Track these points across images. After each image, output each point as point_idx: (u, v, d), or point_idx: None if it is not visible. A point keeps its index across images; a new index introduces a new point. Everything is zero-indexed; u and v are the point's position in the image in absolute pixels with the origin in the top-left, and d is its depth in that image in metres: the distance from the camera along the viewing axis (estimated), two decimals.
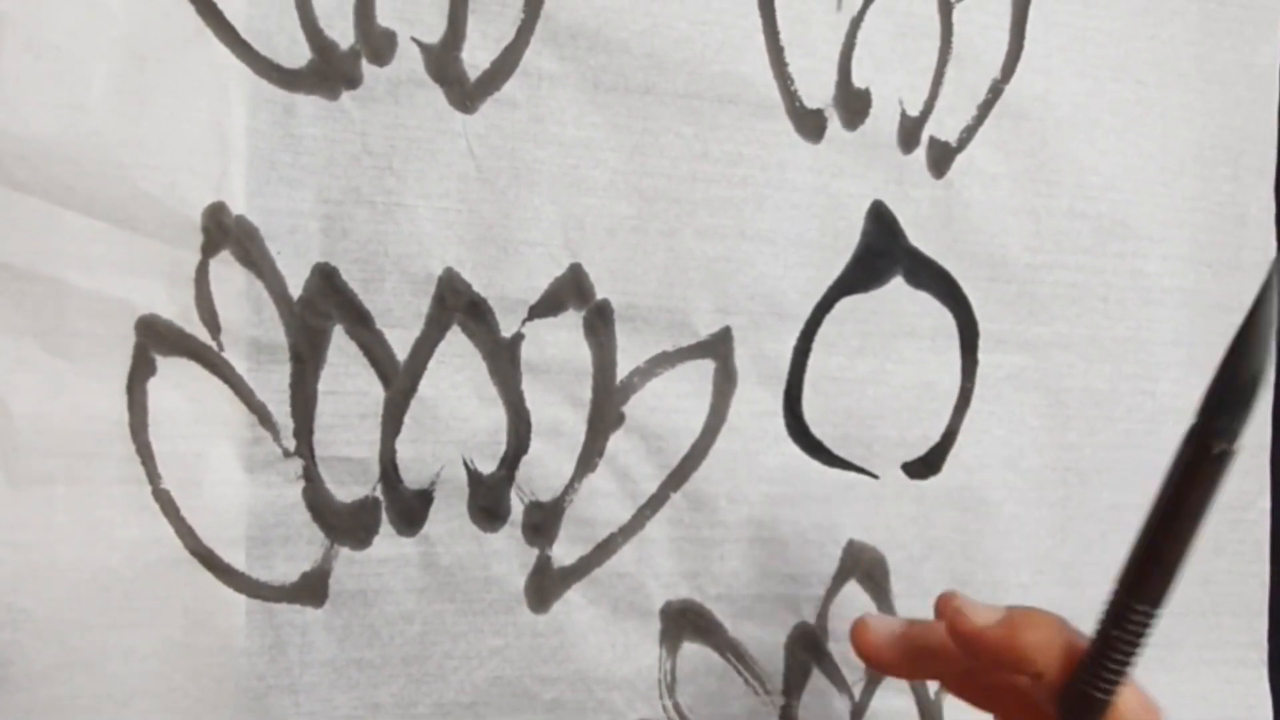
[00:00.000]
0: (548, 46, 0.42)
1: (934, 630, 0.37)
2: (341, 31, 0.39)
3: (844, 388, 0.46)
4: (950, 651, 0.35)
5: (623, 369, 0.43)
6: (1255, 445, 0.52)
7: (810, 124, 0.45)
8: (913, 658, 0.37)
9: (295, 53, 0.39)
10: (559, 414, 0.42)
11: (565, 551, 0.42)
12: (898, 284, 0.47)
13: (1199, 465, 0.30)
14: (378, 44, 0.40)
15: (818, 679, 0.46)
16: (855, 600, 0.46)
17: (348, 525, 0.40)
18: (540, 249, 0.42)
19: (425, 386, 0.41)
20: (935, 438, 0.47)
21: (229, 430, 0.38)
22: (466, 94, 0.41)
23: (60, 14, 0.36)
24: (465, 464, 0.41)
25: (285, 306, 0.39)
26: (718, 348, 0.44)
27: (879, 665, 0.38)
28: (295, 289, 0.39)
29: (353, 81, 0.40)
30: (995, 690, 0.36)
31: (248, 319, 0.39)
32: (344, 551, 0.40)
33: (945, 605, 0.35)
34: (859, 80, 0.46)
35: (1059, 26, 0.48)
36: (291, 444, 0.39)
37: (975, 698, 0.37)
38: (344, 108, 0.40)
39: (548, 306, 0.42)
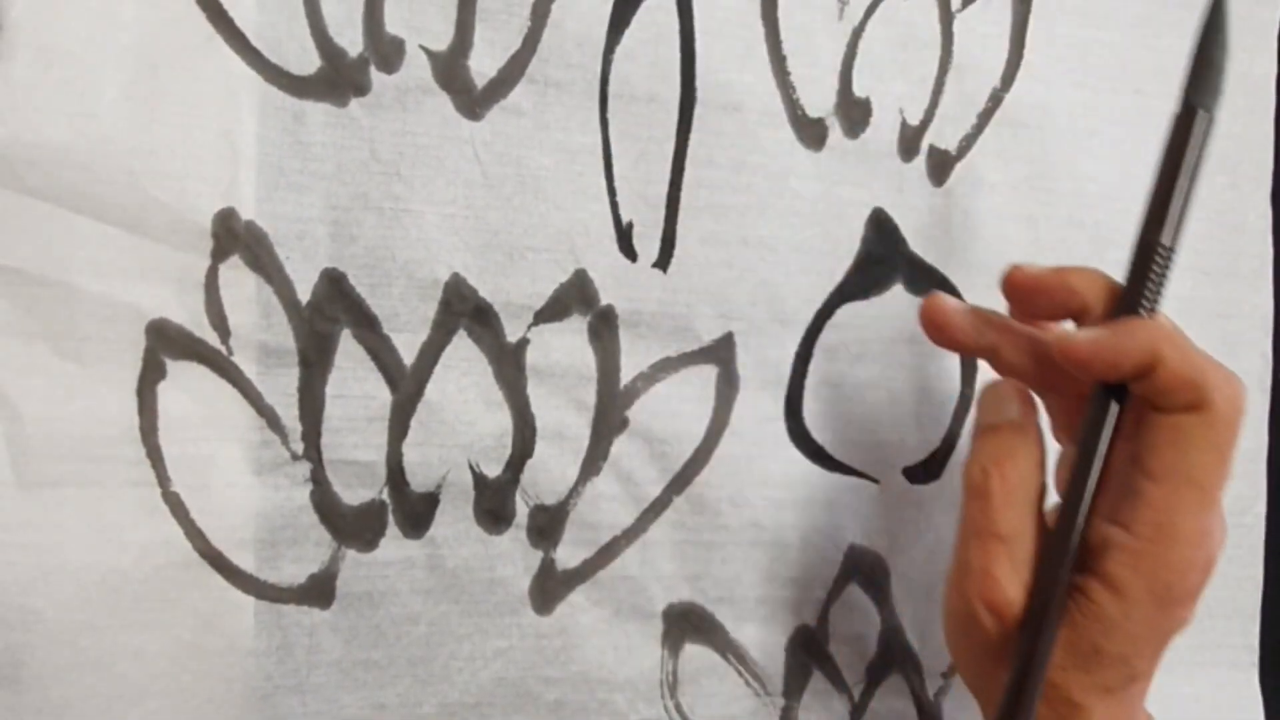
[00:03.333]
0: (554, 54, 0.42)
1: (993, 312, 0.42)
2: (350, 39, 0.40)
3: (845, 393, 0.46)
4: (1009, 325, 0.41)
5: (626, 374, 0.43)
6: (1252, 450, 0.52)
7: (812, 133, 0.45)
8: (978, 326, 0.41)
9: (305, 60, 0.39)
10: (563, 418, 0.42)
11: (569, 554, 0.43)
12: (898, 291, 0.47)
13: (1188, 125, 0.39)
14: (386, 51, 0.40)
15: (818, 680, 0.46)
16: (855, 603, 0.46)
17: (355, 528, 0.40)
18: (545, 255, 0.42)
19: (431, 390, 0.41)
20: (936, 443, 0.48)
21: (238, 433, 0.39)
22: (473, 101, 0.41)
23: (72, 22, 0.37)
24: (471, 467, 0.42)
25: (294, 311, 0.39)
26: (720, 353, 0.45)
27: (947, 334, 0.42)
28: (304, 294, 0.39)
29: (361, 89, 0.40)
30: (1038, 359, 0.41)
31: (257, 323, 0.39)
32: (351, 554, 0.40)
33: (1005, 275, 0.41)
34: (860, 89, 0.46)
35: (1059, 36, 0.49)
36: (300, 447, 0.39)
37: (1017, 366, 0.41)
38: (352, 115, 0.40)
39: (552, 312, 0.42)
